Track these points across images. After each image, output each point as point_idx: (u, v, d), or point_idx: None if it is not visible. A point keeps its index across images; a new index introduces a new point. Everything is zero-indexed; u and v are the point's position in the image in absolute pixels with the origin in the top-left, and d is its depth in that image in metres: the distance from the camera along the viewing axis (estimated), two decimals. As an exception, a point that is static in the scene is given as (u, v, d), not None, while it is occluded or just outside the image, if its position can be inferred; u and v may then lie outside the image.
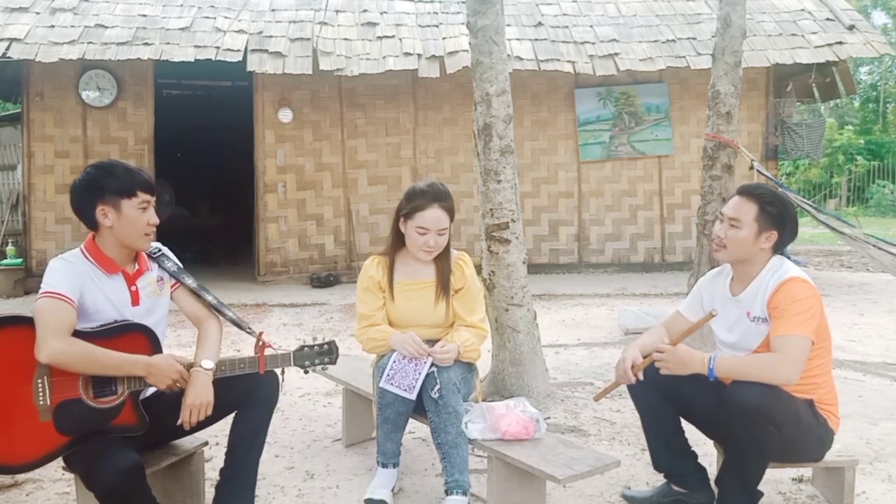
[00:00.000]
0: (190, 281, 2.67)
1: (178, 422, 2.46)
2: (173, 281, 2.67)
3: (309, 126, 9.30)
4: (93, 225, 2.48)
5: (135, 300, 2.52)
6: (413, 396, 2.86)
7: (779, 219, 2.67)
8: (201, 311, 2.69)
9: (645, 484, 3.12)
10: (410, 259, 3.09)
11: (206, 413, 2.45)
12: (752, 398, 2.45)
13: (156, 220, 2.51)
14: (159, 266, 2.65)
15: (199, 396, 2.44)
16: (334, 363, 2.72)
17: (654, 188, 9.76)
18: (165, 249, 2.71)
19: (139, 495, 2.28)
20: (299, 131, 9.28)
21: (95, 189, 2.45)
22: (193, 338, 5.91)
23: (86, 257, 2.47)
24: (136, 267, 2.57)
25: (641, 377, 2.74)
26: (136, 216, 2.47)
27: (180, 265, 2.71)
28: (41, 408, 2.30)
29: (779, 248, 2.72)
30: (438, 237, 2.99)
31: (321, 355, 2.69)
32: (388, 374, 2.89)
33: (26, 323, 2.30)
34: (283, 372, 2.62)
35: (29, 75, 8.79)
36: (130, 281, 2.53)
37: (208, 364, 2.50)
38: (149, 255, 2.64)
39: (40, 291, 2.35)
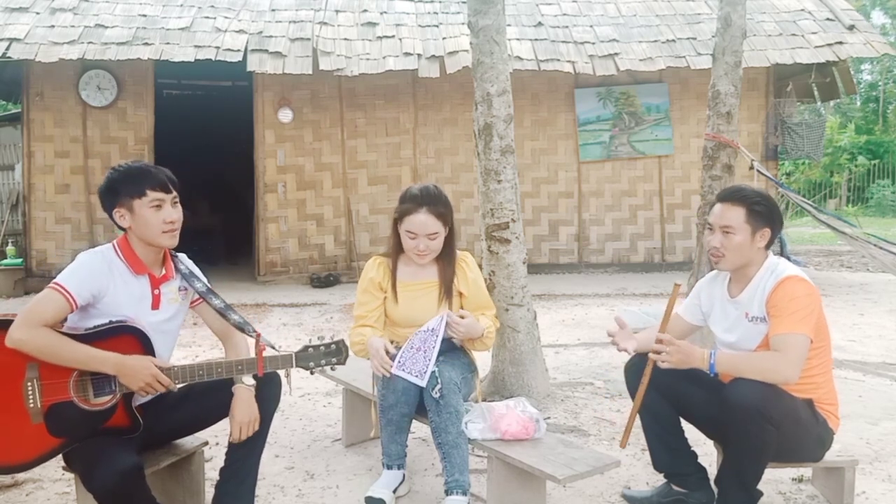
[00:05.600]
0: (217, 301, 2.64)
1: (230, 439, 2.51)
2: (197, 297, 2.66)
3: (309, 126, 9.31)
4: (119, 227, 2.52)
5: (155, 304, 2.53)
6: (424, 383, 2.82)
7: (767, 215, 2.66)
8: (227, 329, 2.69)
9: (645, 484, 3.12)
10: (412, 260, 3.09)
11: (254, 428, 2.51)
12: (751, 397, 2.44)
13: (173, 217, 2.49)
14: (183, 278, 2.64)
15: (247, 413, 2.49)
16: (343, 363, 2.59)
17: (654, 188, 9.76)
18: (193, 267, 2.69)
19: (139, 496, 2.28)
20: (299, 131, 9.28)
21: (112, 192, 2.49)
22: (193, 338, 5.98)
23: (116, 253, 2.50)
24: (163, 272, 2.58)
25: (632, 352, 2.84)
26: (149, 215, 2.46)
27: (209, 285, 2.68)
28: (32, 410, 2.30)
29: (770, 243, 2.72)
30: (430, 241, 2.99)
31: (328, 356, 2.56)
32: (399, 361, 2.86)
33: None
34: (287, 375, 2.57)
35: (29, 75, 8.80)
36: (155, 284, 2.54)
37: (249, 381, 2.54)
38: (177, 270, 2.63)
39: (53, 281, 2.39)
